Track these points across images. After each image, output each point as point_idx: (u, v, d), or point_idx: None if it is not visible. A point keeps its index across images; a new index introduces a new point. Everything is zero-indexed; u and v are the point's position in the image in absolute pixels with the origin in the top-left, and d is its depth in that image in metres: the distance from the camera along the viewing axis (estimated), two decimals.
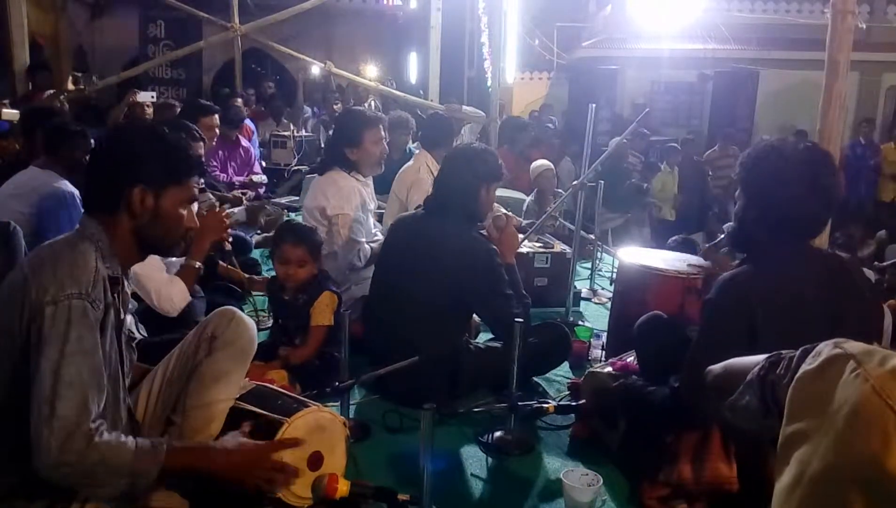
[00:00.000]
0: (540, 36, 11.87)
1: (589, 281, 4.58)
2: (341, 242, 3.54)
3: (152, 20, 10.78)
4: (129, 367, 1.85)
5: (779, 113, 12.00)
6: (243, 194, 5.65)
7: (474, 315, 3.11)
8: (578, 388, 2.76)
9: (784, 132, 10.28)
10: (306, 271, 2.93)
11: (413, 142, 6.26)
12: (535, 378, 3.05)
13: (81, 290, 1.56)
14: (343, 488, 1.89)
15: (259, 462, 1.77)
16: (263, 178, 6.18)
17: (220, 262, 3.64)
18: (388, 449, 2.49)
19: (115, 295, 1.70)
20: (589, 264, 4.70)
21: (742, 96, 12.37)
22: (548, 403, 2.53)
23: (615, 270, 3.90)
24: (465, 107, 7.69)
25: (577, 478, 2.16)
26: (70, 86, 6.93)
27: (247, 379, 2.07)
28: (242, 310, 2.35)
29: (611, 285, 4.27)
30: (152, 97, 6.26)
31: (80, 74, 7.49)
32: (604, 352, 3.28)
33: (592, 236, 4.75)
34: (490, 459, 2.45)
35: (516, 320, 2.50)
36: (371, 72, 10.38)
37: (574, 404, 2.62)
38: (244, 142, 6.21)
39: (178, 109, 5.77)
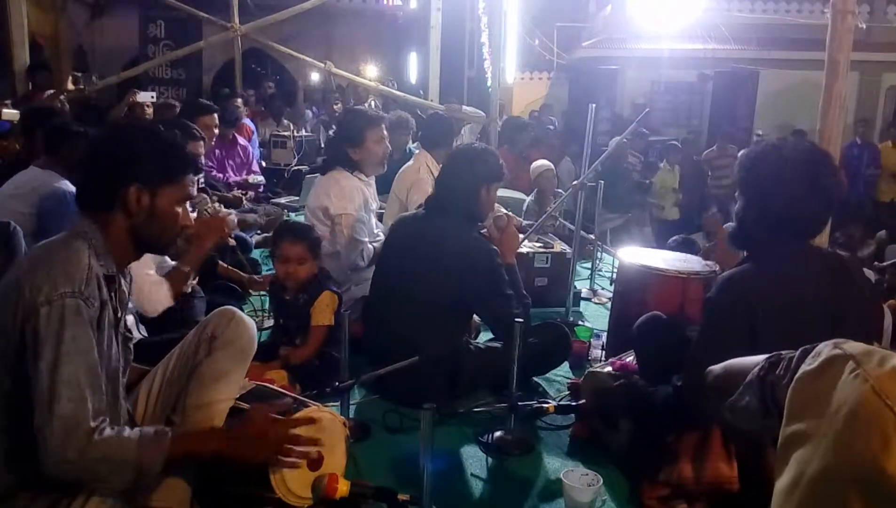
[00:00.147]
0: (540, 36, 11.87)
1: (589, 281, 4.58)
2: (344, 241, 3.55)
3: (152, 20, 10.77)
4: (125, 366, 1.85)
5: (779, 113, 12.00)
6: (243, 194, 5.65)
7: (474, 315, 3.11)
8: (578, 388, 2.76)
9: (784, 132, 10.29)
10: (306, 268, 2.93)
11: (413, 142, 6.26)
12: (535, 378, 3.05)
13: (75, 288, 1.56)
14: (343, 488, 1.89)
15: (275, 432, 1.79)
16: (261, 178, 6.18)
17: (220, 262, 3.65)
18: (388, 449, 2.49)
19: (112, 293, 1.70)
20: (589, 264, 4.69)
21: (742, 96, 12.37)
22: (548, 403, 2.53)
23: (615, 270, 3.90)
24: (465, 107, 7.69)
25: (577, 478, 2.16)
26: (70, 86, 6.93)
27: (247, 379, 2.07)
28: (242, 310, 2.35)
29: (611, 285, 4.27)
30: (152, 97, 6.27)
31: (80, 74, 7.49)
32: (604, 352, 3.28)
33: (592, 236, 4.75)
34: (490, 459, 2.45)
35: (516, 320, 2.50)
36: (371, 72, 10.39)
37: (574, 404, 2.62)
38: (241, 141, 6.20)
39: (178, 109, 5.77)
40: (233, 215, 3.44)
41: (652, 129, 11.27)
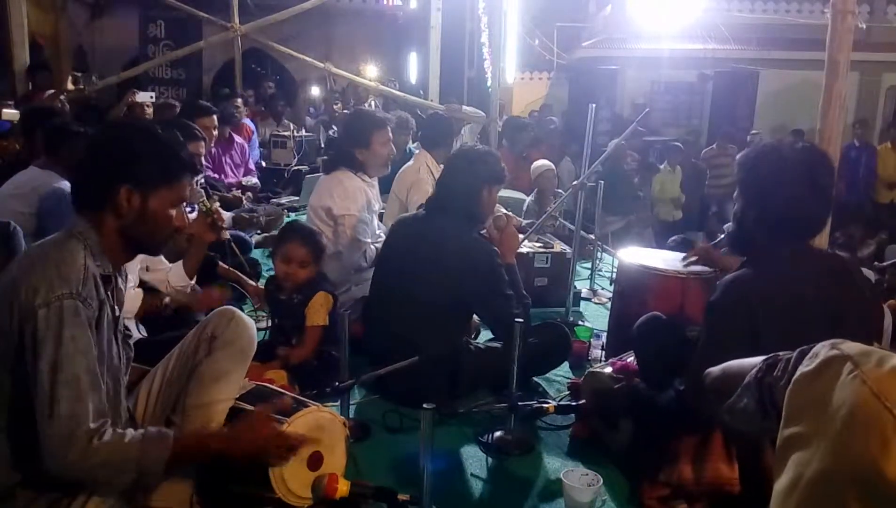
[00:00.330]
0: (540, 36, 11.87)
1: (589, 281, 4.58)
2: (346, 242, 3.55)
3: (152, 20, 10.77)
4: (126, 365, 1.85)
5: (779, 113, 12.00)
6: (243, 194, 5.65)
7: (474, 315, 3.11)
8: (578, 388, 2.76)
9: (784, 132, 10.29)
10: (306, 272, 2.94)
11: (413, 142, 6.26)
12: (535, 378, 3.05)
13: (72, 289, 1.56)
14: (343, 488, 1.89)
15: (273, 432, 1.79)
16: (255, 181, 6.16)
17: (221, 263, 3.64)
18: (388, 449, 2.49)
19: (109, 292, 1.70)
20: (589, 264, 4.70)
21: (742, 96, 12.36)
22: (548, 403, 2.53)
23: (615, 270, 3.90)
24: (465, 107, 7.68)
25: (577, 478, 2.16)
26: (70, 86, 6.92)
27: (246, 379, 2.08)
28: (242, 310, 2.35)
29: (611, 285, 4.27)
30: (151, 97, 6.26)
31: (80, 74, 7.48)
32: (604, 352, 3.28)
33: (592, 236, 4.75)
34: (490, 459, 2.45)
35: (516, 320, 2.50)
36: (371, 72, 10.37)
37: (574, 404, 2.62)
38: (238, 139, 6.19)
39: (178, 109, 5.77)
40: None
41: (652, 129, 11.27)
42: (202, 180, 4.37)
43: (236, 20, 8.32)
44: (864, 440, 0.83)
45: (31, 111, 4.61)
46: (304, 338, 2.90)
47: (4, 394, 1.58)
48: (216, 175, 5.76)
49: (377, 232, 3.79)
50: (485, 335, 3.31)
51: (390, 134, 3.76)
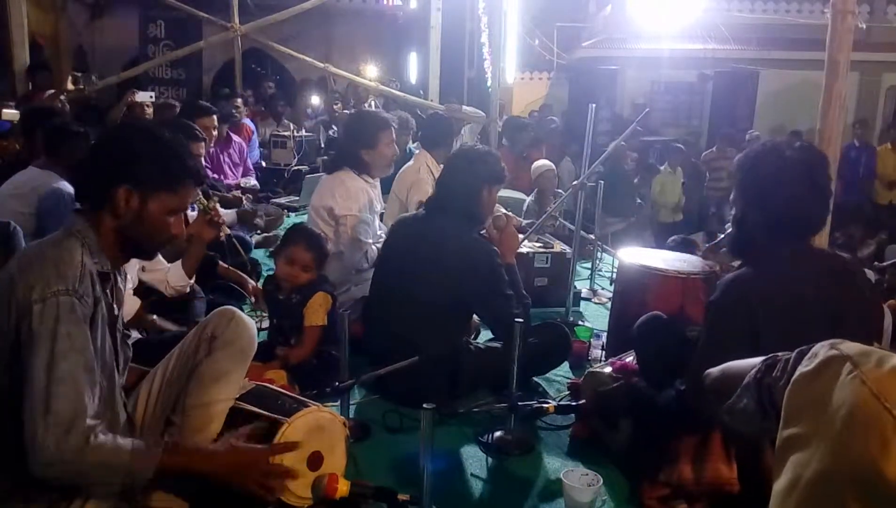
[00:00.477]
0: (540, 36, 11.86)
1: (589, 281, 4.58)
2: (348, 242, 3.55)
3: (152, 20, 10.76)
4: (124, 364, 1.85)
5: (779, 113, 12.00)
6: (244, 194, 5.65)
7: (474, 315, 3.11)
8: (578, 388, 2.76)
9: (784, 132, 10.30)
10: (308, 276, 2.95)
11: (413, 142, 6.26)
12: (535, 378, 3.05)
13: (68, 286, 1.55)
14: (343, 488, 1.89)
15: (256, 465, 1.77)
16: (254, 182, 6.16)
17: (221, 262, 3.65)
18: (388, 449, 2.49)
19: (108, 291, 1.70)
20: (589, 264, 4.69)
21: (742, 96, 12.36)
22: (548, 403, 2.53)
23: (615, 270, 3.90)
24: (465, 107, 7.68)
25: (577, 478, 2.16)
26: (70, 86, 6.92)
27: (246, 379, 2.07)
28: (242, 310, 2.35)
29: (611, 285, 4.27)
30: (151, 97, 6.26)
31: (80, 74, 7.47)
32: (604, 352, 3.28)
33: (592, 236, 4.75)
34: (490, 459, 2.45)
35: (516, 320, 2.50)
36: (371, 72, 10.36)
37: (574, 404, 2.62)
38: (236, 138, 6.17)
39: (178, 109, 5.77)
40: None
41: (652, 129, 11.27)
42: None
43: (236, 20, 8.31)
44: (864, 441, 0.83)
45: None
46: (303, 338, 2.90)
47: (1, 393, 1.58)
48: (215, 175, 5.75)
49: (378, 233, 3.79)
50: (485, 335, 3.31)
51: (394, 135, 3.77)
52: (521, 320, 2.53)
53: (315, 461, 1.93)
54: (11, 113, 5.10)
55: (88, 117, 6.18)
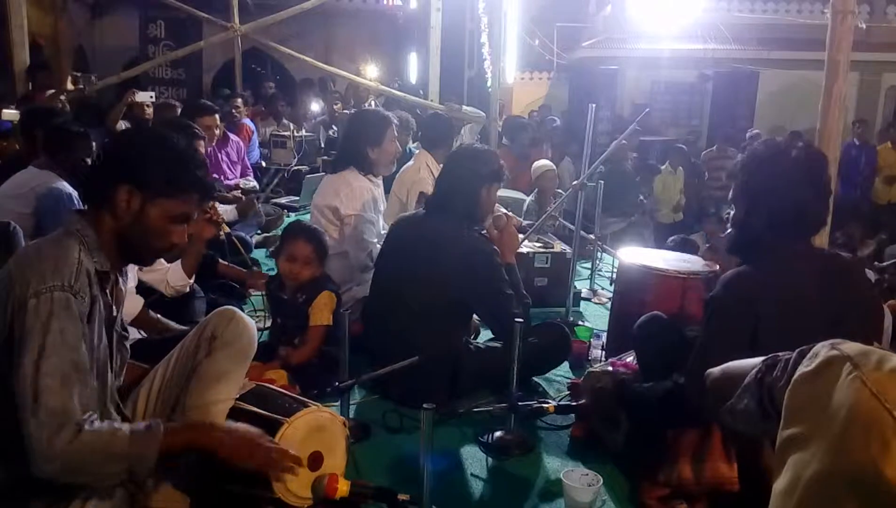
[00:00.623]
0: (540, 36, 11.86)
1: (589, 281, 4.58)
2: (352, 242, 3.54)
3: (152, 20, 10.78)
4: (119, 365, 1.84)
5: (779, 113, 12.00)
6: (245, 194, 5.65)
7: (474, 315, 3.11)
8: (578, 388, 2.76)
9: (783, 132, 10.29)
10: (310, 271, 2.94)
11: (413, 142, 6.26)
12: (535, 378, 3.05)
13: (64, 282, 1.55)
14: (343, 488, 1.89)
15: (260, 441, 1.75)
16: (254, 183, 6.16)
17: (221, 261, 3.65)
18: (388, 449, 2.49)
19: (107, 290, 1.69)
20: (589, 264, 4.70)
21: (742, 96, 12.38)
22: (548, 403, 2.54)
23: (615, 270, 3.90)
24: (465, 107, 7.68)
25: (577, 478, 2.16)
26: (70, 86, 6.92)
27: (247, 379, 2.07)
28: (242, 310, 2.35)
29: (611, 285, 4.27)
30: (151, 97, 6.26)
31: (79, 74, 7.46)
32: (604, 352, 3.28)
33: (592, 236, 4.75)
34: (490, 459, 2.45)
35: (516, 320, 2.50)
36: (371, 72, 10.37)
37: (574, 404, 2.62)
38: (233, 137, 6.16)
39: (179, 110, 5.76)
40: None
41: (652, 129, 11.27)
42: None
43: (236, 20, 8.31)
44: (864, 442, 0.83)
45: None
46: (308, 338, 2.90)
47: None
48: (214, 174, 5.75)
49: (382, 232, 3.79)
50: (485, 335, 3.31)
51: (395, 132, 3.78)
52: (521, 320, 2.53)
53: (315, 461, 1.93)
54: (11, 113, 5.10)
55: (88, 117, 6.17)
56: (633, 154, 8.71)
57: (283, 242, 3.01)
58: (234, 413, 1.94)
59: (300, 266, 2.92)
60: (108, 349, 1.73)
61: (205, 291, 3.36)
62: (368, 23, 13.93)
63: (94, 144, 3.72)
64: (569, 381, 3.06)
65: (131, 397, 1.95)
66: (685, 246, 4.43)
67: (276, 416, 1.92)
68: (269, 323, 3.23)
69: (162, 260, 2.95)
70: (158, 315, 2.89)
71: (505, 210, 4.00)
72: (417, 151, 4.69)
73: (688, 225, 8.20)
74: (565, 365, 3.19)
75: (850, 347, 0.92)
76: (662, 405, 2.19)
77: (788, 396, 0.96)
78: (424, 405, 1.93)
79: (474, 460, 2.46)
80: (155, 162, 1.70)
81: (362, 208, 3.54)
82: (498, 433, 2.51)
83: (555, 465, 2.44)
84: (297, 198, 6.24)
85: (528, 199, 5.50)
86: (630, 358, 2.63)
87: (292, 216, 5.78)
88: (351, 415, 2.52)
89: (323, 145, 7.75)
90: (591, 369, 2.78)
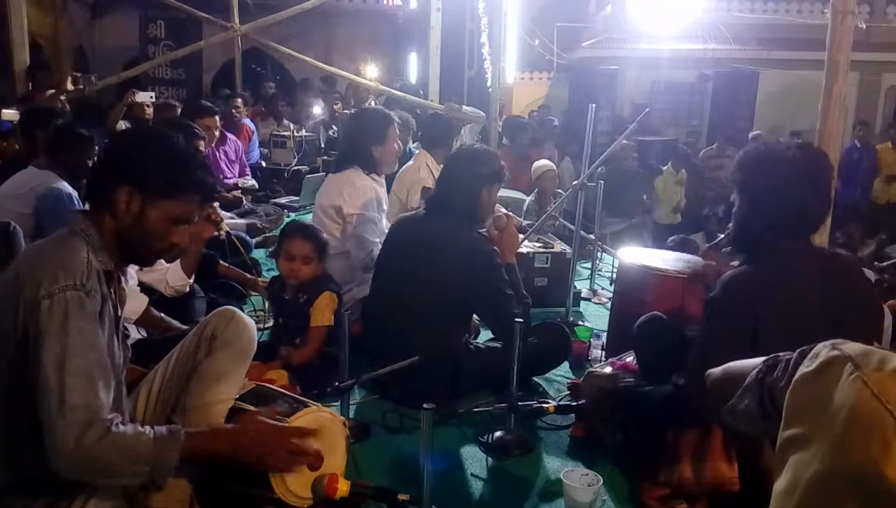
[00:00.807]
0: (540, 36, 11.86)
1: (589, 281, 4.58)
2: (355, 241, 3.54)
3: (152, 20, 10.78)
4: (124, 365, 1.84)
5: (779, 113, 11.99)
6: (245, 195, 5.65)
7: (474, 315, 3.10)
8: (578, 388, 2.76)
9: (784, 132, 10.30)
10: (310, 269, 2.93)
11: (413, 142, 6.25)
12: (535, 378, 3.05)
13: (76, 281, 1.54)
14: (343, 488, 1.89)
15: (279, 443, 1.76)
16: (252, 182, 6.16)
17: (221, 262, 3.65)
18: (388, 449, 2.49)
19: (111, 289, 1.70)
20: (589, 264, 4.69)
21: (742, 96, 12.37)
22: (548, 403, 2.54)
23: (615, 270, 3.90)
24: (465, 107, 7.68)
25: (577, 478, 2.15)
26: (70, 86, 6.92)
27: (247, 379, 2.08)
28: (242, 310, 2.35)
29: (611, 285, 4.27)
30: (151, 97, 6.26)
31: (79, 74, 7.46)
32: (604, 352, 3.28)
33: (592, 236, 4.75)
34: (490, 459, 2.45)
35: (516, 320, 2.50)
36: (371, 72, 10.36)
37: (574, 404, 2.62)
38: (231, 137, 6.17)
39: (179, 110, 5.76)
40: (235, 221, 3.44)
41: (652, 129, 11.26)
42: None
43: (236, 20, 8.31)
44: (865, 442, 0.83)
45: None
46: (309, 338, 2.90)
47: (2, 392, 1.57)
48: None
49: (385, 231, 3.78)
50: (485, 335, 3.31)
51: (397, 130, 3.79)
52: (521, 320, 2.53)
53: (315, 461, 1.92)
54: (11, 113, 5.10)
55: (88, 117, 6.17)
56: (633, 154, 8.69)
57: (282, 241, 3.01)
58: (234, 413, 1.94)
59: (299, 264, 2.92)
60: (117, 348, 1.73)
61: (205, 291, 3.36)
62: (368, 23, 13.92)
63: (96, 147, 3.72)
64: (569, 381, 3.06)
65: (131, 397, 1.95)
66: (685, 246, 4.43)
67: (277, 417, 1.92)
68: (270, 323, 3.23)
69: (161, 260, 2.95)
70: (162, 314, 2.89)
71: (505, 210, 4.00)
72: (417, 151, 4.69)
73: (686, 227, 8.20)
74: (565, 365, 3.19)
75: (852, 347, 0.92)
76: (662, 407, 2.19)
77: (789, 396, 0.96)
78: (424, 405, 1.93)
79: (474, 460, 2.46)
80: (155, 163, 1.69)
81: (365, 206, 3.54)
82: (498, 433, 2.51)
83: (555, 465, 2.44)
84: (297, 198, 6.24)
85: (528, 199, 5.50)
86: (630, 358, 2.63)
87: (292, 216, 5.78)
88: (351, 415, 2.52)
89: (323, 145, 7.75)
90: (591, 369, 2.78)
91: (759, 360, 1.11)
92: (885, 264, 5.68)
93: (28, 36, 6.70)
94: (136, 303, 2.76)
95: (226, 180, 5.81)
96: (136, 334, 2.78)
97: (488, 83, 8.25)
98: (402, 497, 1.94)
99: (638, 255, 3.28)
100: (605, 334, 3.42)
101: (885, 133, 9.78)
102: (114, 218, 1.68)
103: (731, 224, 2.19)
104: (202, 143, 4.11)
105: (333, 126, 8.14)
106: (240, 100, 7.35)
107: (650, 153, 9.73)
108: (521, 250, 3.66)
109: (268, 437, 1.75)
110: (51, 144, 3.64)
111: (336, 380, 2.45)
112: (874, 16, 12.52)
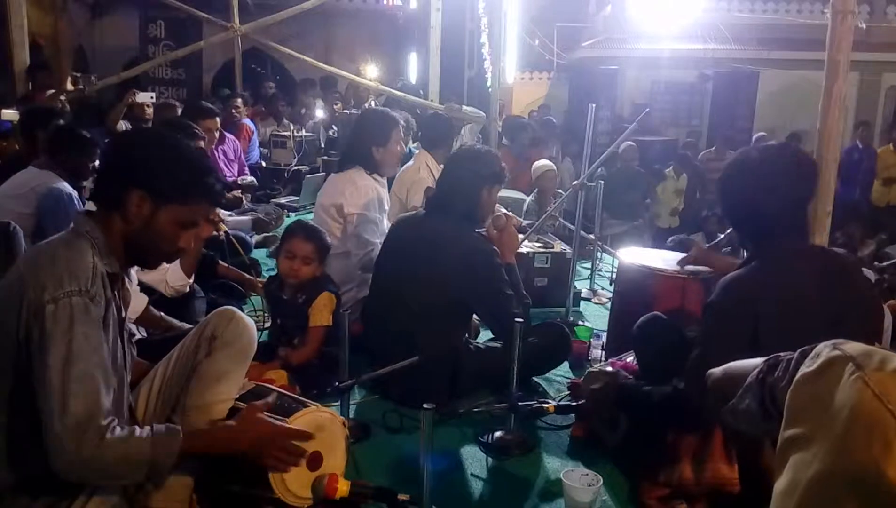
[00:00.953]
0: (540, 36, 11.87)
1: (589, 281, 4.58)
2: (355, 240, 3.54)
3: (152, 20, 10.78)
4: (130, 364, 1.85)
5: (779, 113, 11.99)
6: (244, 195, 5.65)
7: (474, 315, 3.10)
8: (578, 388, 2.76)
9: (784, 132, 10.30)
10: (310, 269, 2.93)
11: (413, 142, 6.25)
12: (535, 378, 3.05)
13: (81, 286, 1.55)
14: (343, 488, 1.89)
15: (276, 441, 1.79)
16: (251, 178, 6.16)
17: (221, 262, 3.65)
18: (388, 449, 2.49)
19: (116, 291, 1.70)
20: (589, 264, 4.70)
21: (742, 96, 12.37)
22: (548, 403, 2.53)
23: (615, 270, 3.90)
24: (465, 107, 7.67)
25: (577, 478, 2.16)
26: (70, 86, 6.91)
27: (247, 379, 2.08)
28: (242, 310, 2.35)
29: (611, 285, 4.27)
30: (151, 97, 6.26)
31: (79, 74, 7.46)
32: (604, 352, 3.28)
33: (592, 236, 4.75)
34: (490, 459, 2.45)
35: (516, 320, 2.50)
36: (371, 72, 10.36)
37: (574, 404, 2.62)
38: (229, 136, 6.16)
39: (179, 110, 5.76)
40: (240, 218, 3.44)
41: (652, 129, 11.26)
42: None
43: (236, 20, 8.31)
44: (866, 443, 0.83)
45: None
46: (308, 338, 2.90)
47: (5, 392, 1.58)
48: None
49: (386, 232, 3.78)
50: (485, 335, 3.31)
51: (402, 133, 3.78)
52: (521, 319, 2.53)
53: (315, 461, 1.92)
54: (11, 113, 5.10)
55: (88, 117, 6.17)
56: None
57: (284, 240, 3.01)
58: (234, 413, 1.94)
59: (299, 264, 2.92)
60: (122, 349, 1.74)
61: (205, 291, 3.36)
62: (368, 23, 13.92)
63: (98, 148, 3.73)
64: (569, 381, 3.06)
65: (132, 396, 1.95)
66: (685, 246, 4.43)
67: (276, 416, 1.92)
68: (269, 323, 3.23)
69: None
70: (162, 313, 2.89)
71: (505, 210, 4.01)
72: (417, 151, 4.69)
73: (688, 226, 8.19)
74: (565, 365, 3.19)
75: (853, 347, 0.92)
76: (662, 409, 2.19)
77: (790, 396, 0.96)
78: (424, 405, 1.93)
79: (474, 460, 2.46)
80: (169, 169, 1.70)
81: (366, 206, 3.53)
82: (498, 433, 2.51)
83: (555, 465, 2.44)
84: (297, 198, 6.24)
85: (528, 199, 5.50)
86: (630, 358, 2.63)
87: (292, 216, 5.79)
88: (351, 415, 2.52)
89: (323, 145, 7.74)
90: (591, 369, 2.78)
91: (759, 360, 1.11)
92: (885, 264, 5.68)
93: (28, 36, 6.70)
94: (136, 302, 2.76)
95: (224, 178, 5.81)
96: (136, 333, 2.78)
97: (488, 83, 8.25)
98: (402, 497, 1.95)
99: (638, 255, 3.28)
100: (605, 334, 3.42)
101: (887, 135, 9.77)
102: (123, 221, 1.69)
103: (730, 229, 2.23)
104: (202, 143, 4.11)
105: (333, 126, 8.14)
106: (240, 100, 7.35)
107: (650, 153, 9.73)
108: (521, 250, 3.66)
109: (266, 438, 1.78)
110: (51, 145, 3.64)
111: (336, 380, 2.45)
112: (874, 16, 12.52)
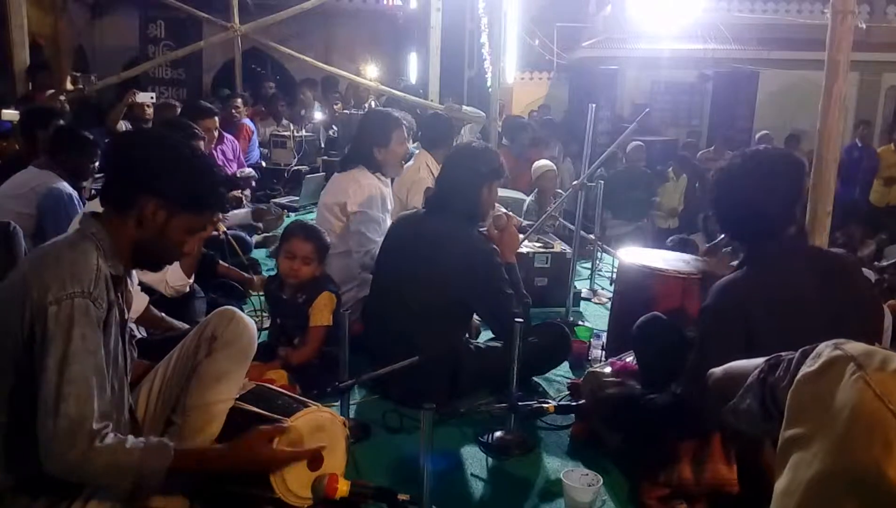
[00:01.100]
0: (540, 36, 11.87)
1: (589, 281, 4.58)
2: (357, 239, 3.54)
3: (152, 20, 10.77)
4: (130, 366, 1.85)
5: (779, 113, 11.99)
6: (243, 192, 5.64)
7: (474, 315, 3.10)
8: (578, 388, 2.76)
9: (784, 132, 10.30)
10: (310, 269, 2.93)
11: (413, 142, 6.25)
12: (535, 378, 3.05)
13: (84, 288, 1.56)
14: (343, 488, 1.89)
15: (266, 465, 1.78)
16: (249, 171, 6.15)
17: (221, 262, 3.65)
18: (388, 449, 2.49)
19: (119, 294, 1.70)
20: (589, 264, 4.69)
21: (742, 96, 12.38)
22: (548, 403, 2.53)
23: (615, 270, 3.90)
24: (465, 107, 7.67)
25: (577, 478, 2.15)
26: (70, 86, 6.91)
27: (247, 379, 2.07)
28: (242, 310, 2.35)
29: (611, 285, 4.27)
30: (151, 98, 6.25)
31: (79, 74, 7.46)
32: (604, 352, 3.28)
33: (592, 236, 4.75)
34: (490, 459, 2.45)
35: (516, 319, 2.50)
36: (371, 72, 10.35)
37: (574, 404, 2.62)
38: (227, 136, 6.15)
39: (179, 110, 5.76)
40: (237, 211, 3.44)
41: (652, 129, 11.25)
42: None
43: (236, 20, 8.31)
44: (867, 443, 0.83)
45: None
46: (308, 338, 2.89)
47: (5, 392, 1.58)
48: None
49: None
50: (485, 335, 3.31)
51: (405, 134, 3.77)
52: (521, 319, 2.53)
53: (315, 461, 1.92)
54: (11, 113, 5.10)
55: (88, 117, 6.17)
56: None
57: (284, 239, 3.01)
58: (234, 413, 1.94)
59: (299, 264, 2.92)
60: (123, 351, 1.74)
61: (205, 291, 3.36)
62: (368, 23, 13.92)
63: (98, 149, 3.73)
64: (569, 381, 3.06)
65: (132, 396, 1.95)
66: (685, 246, 4.43)
67: (276, 416, 1.92)
68: (268, 323, 3.23)
69: None
70: (162, 314, 2.89)
71: (505, 210, 4.00)
72: (417, 151, 4.69)
73: (686, 227, 8.19)
74: (565, 365, 3.19)
75: (854, 347, 0.92)
76: (663, 417, 2.19)
77: (791, 396, 0.96)
78: (424, 405, 1.93)
79: (474, 460, 2.46)
80: (183, 179, 1.71)
81: (368, 204, 3.53)
82: (498, 433, 2.51)
83: (555, 465, 2.44)
84: (297, 198, 6.24)
85: (528, 199, 5.49)
86: (630, 358, 2.63)
87: (292, 216, 5.78)
88: (351, 415, 2.52)
89: (323, 145, 7.74)
90: (591, 369, 2.78)
91: (760, 360, 1.11)
92: (885, 264, 5.68)
93: (28, 36, 6.70)
94: (136, 302, 2.76)
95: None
96: (136, 333, 2.78)
97: (488, 83, 8.25)
98: (402, 497, 1.94)
99: (638, 255, 3.28)
100: (605, 334, 3.42)
101: (887, 135, 9.77)
102: (138, 226, 1.69)
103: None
104: (202, 143, 4.11)
105: (333, 126, 8.14)
106: (240, 100, 7.34)
107: (650, 154, 9.73)
108: (521, 250, 3.66)
109: (260, 464, 1.77)
110: (51, 145, 3.64)
111: (336, 380, 2.45)
112: (874, 16, 12.52)
